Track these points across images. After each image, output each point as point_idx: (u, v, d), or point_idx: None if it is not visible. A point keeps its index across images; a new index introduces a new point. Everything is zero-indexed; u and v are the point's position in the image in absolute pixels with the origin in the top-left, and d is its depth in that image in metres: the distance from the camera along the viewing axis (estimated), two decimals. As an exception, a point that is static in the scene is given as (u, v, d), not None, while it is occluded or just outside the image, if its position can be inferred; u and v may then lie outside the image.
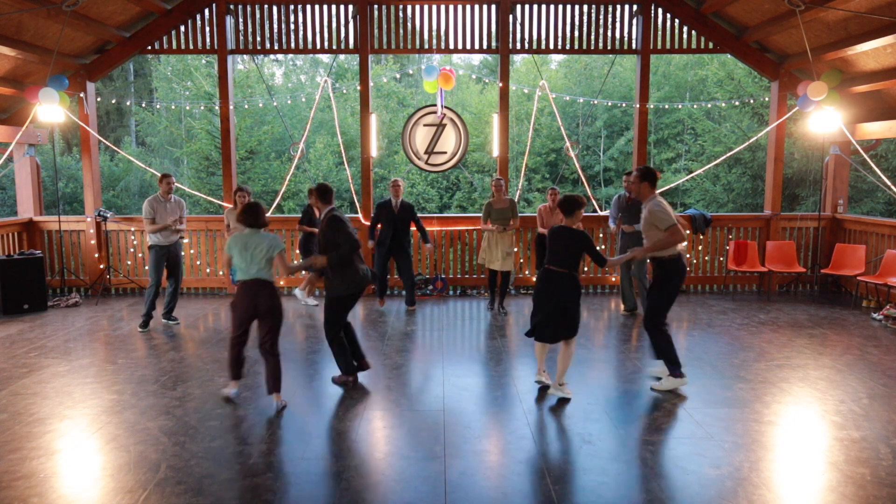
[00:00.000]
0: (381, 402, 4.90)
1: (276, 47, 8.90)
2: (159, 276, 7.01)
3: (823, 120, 7.96)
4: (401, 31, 8.79)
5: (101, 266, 8.86)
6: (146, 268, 9.02)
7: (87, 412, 4.64)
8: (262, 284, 4.67)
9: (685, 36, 8.86)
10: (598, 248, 5.52)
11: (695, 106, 15.07)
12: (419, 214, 8.17)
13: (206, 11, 8.68)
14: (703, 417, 4.55)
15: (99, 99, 9.21)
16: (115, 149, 11.46)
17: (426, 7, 8.71)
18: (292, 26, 8.81)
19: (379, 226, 7.85)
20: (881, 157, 16.40)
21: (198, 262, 9.06)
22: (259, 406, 4.77)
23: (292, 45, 8.87)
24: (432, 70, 8.18)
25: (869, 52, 7.44)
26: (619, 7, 8.78)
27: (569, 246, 4.85)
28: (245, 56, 14.76)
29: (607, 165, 21.26)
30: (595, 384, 5.28)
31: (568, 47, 8.95)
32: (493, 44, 8.86)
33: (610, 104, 20.26)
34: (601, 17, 8.80)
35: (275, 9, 8.71)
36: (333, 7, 8.73)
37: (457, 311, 8.10)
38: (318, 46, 8.88)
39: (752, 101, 17.65)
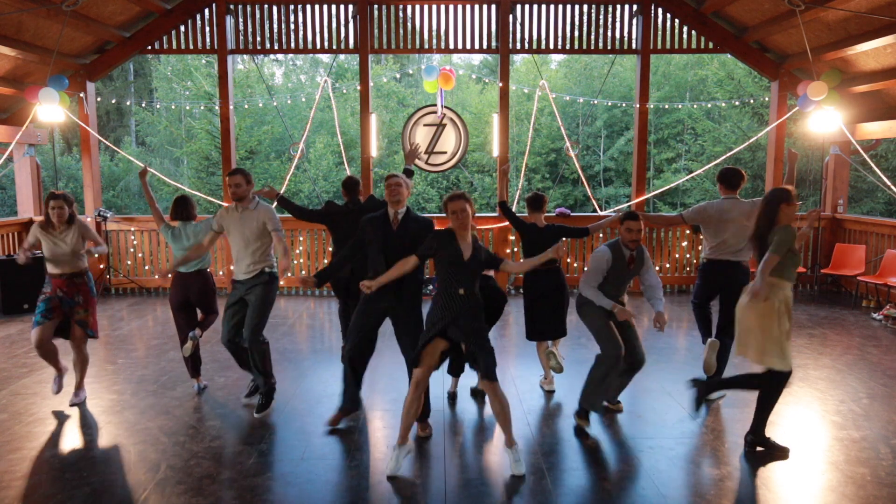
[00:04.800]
0: (381, 402, 4.90)
1: (276, 47, 8.90)
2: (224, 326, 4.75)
3: (823, 120, 7.96)
4: (401, 31, 8.79)
5: (101, 266, 8.86)
6: (146, 267, 9.05)
7: (87, 412, 4.64)
8: (195, 275, 4.95)
9: (685, 36, 8.86)
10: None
11: (695, 106, 15.08)
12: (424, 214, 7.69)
13: (206, 11, 8.68)
14: (703, 417, 4.55)
15: (99, 99, 9.21)
16: (115, 149, 11.46)
17: (426, 7, 8.71)
18: (292, 26, 8.81)
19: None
20: (881, 157, 16.40)
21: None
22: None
23: (292, 45, 8.87)
24: (432, 70, 8.18)
25: (869, 52, 7.44)
26: (619, 7, 8.78)
27: (549, 242, 4.95)
28: (245, 56, 14.76)
29: (607, 165, 21.25)
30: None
31: (568, 47, 8.95)
32: (493, 44, 8.86)
33: (610, 104, 20.25)
34: (601, 17, 8.80)
35: (275, 9, 8.71)
36: (333, 7, 8.73)
37: (457, 311, 8.09)
38: (318, 46, 8.88)
39: (752, 101, 17.65)
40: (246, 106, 18.05)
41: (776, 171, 9.05)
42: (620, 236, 4.28)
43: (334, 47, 8.86)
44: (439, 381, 5.35)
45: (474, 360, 3.75)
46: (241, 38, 8.82)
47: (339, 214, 5.26)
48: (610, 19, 8.83)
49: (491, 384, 3.70)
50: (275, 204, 5.21)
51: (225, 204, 8.90)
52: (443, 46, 8.84)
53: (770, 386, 3.93)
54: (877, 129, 8.30)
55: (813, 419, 4.52)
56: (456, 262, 3.77)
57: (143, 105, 22.23)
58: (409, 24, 8.80)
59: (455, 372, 4.91)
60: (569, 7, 8.78)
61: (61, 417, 4.56)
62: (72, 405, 4.71)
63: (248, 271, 4.52)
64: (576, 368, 5.56)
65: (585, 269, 4.37)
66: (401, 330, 4.26)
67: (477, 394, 4.98)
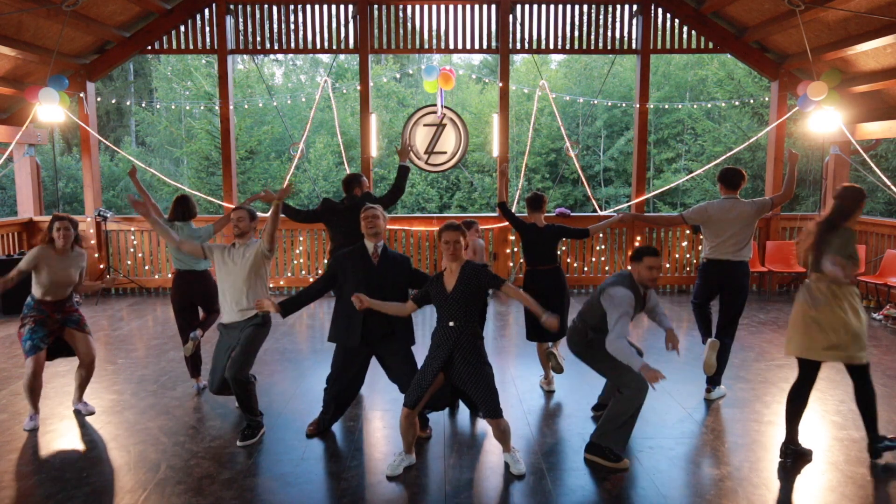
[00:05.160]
0: (381, 402, 4.90)
1: (276, 47, 8.90)
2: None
3: (823, 120, 7.96)
4: (401, 31, 8.79)
5: (101, 266, 8.85)
6: (146, 267, 9.05)
7: (87, 412, 4.64)
8: (197, 275, 5.03)
9: (685, 36, 8.86)
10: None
11: (695, 106, 15.09)
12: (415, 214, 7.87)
13: (206, 11, 8.68)
14: (702, 417, 4.55)
15: (99, 99, 9.21)
16: (115, 149, 11.47)
17: (426, 7, 8.71)
18: (292, 26, 8.81)
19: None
20: (881, 157, 16.40)
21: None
22: (259, 406, 4.76)
23: (292, 45, 8.87)
24: (432, 70, 8.18)
25: (869, 52, 7.44)
26: (619, 7, 8.78)
27: (549, 242, 4.98)
28: (245, 56, 14.76)
29: (607, 165, 21.25)
30: (595, 384, 5.27)
31: (568, 47, 8.95)
32: (493, 44, 8.86)
33: (610, 104, 20.25)
34: (601, 17, 8.80)
35: (275, 9, 8.72)
36: (333, 7, 8.73)
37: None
38: (318, 46, 8.88)
39: (752, 101, 17.65)
40: (246, 106, 18.05)
41: (776, 171, 9.05)
42: (637, 274, 3.83)
43: (334, 47, 8.86)
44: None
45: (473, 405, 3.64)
46: (241, 38, 8.82)
47: (336, 211, 5.25)
48: (610, 19, 8.83)
49: (494, 421, 3.60)
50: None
51: (225, 205, 8.92)
52: (443, 46, 8.84)
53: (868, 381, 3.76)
54: (877, 129, 8.29)
55: (813, 419, 4.51)
56: (440, 297, 3.67)
57: (143, 105, 22.23)
58: (409, 24, 8.80)
59: None
60: (569, 7, 8.78)
61: (61, 417, 4.56)
62: (89, 414, 4.57)
63: (242, 313, 4.23)
64: (576, 368, 5.56)
65: (611, 312, 3.69)
66: (388, 363, 4.16)
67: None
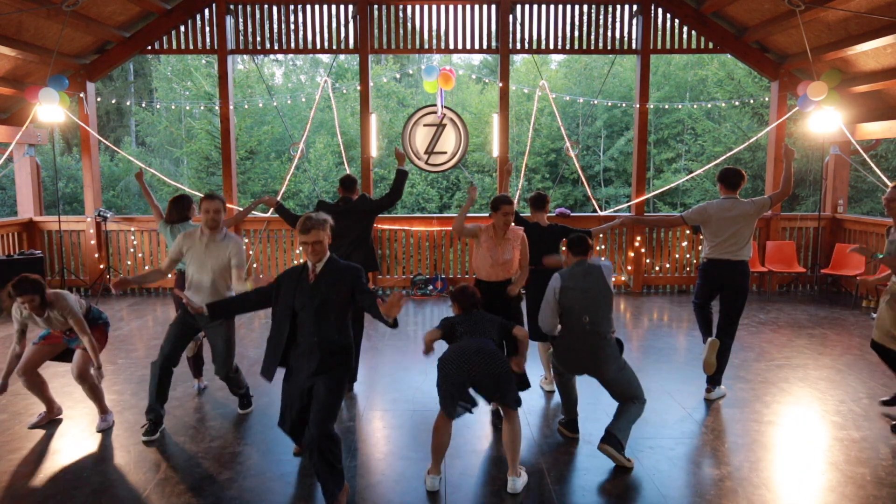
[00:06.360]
0: (381, 402, 4.90)
1: (276, 47, 8.90)
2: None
3: (823, 120, 7.96)
4: (401, 31, 8.79)
5: (101, 266, 8.86)
6: (146, 268, 9.04)
7: (87, 412, 4.63)
8: None
9: (685, 36, 8.86)
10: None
11: (695, 106, 15.08)
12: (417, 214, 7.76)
13: (206, 11, 8.68)
14: (702, 417, 4.56)
15: (99, 99, 9.21)
16: (115, 149, 11.47)
17: (426, 7, 8.71)
18: (292, 26, 8.81)
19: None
20: (881, 157, 16.41)
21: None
22: (259, 407, 4.77)
23: (292, 45, 8.87)
24: (432, 70, 8.18)
25: (869, 52, 7.44)
26: (619, 7, 8.78)
27: (552, 241, 4.99)
28: (245, 56, 14.76)
29: (607, 165, 21.26)
30: (595, 384, 5.27)
31: (568, 47, 8.95)
32: (493, 44, 8.86)
33: (610, 104, 20.25)
34: (601, 17, 8.80)
35: (275, 9, 8.72)
36: (333, 7, 8.73)
37: (457, 311, 8.08)
38: (318, 46, 8.88)
39: (752, 101, 17.65)
40: (246, 106, 18.05)
41: (776, 171, 9.04)
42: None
43: (334, 47, 8.86)
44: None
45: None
46: (241, 38, 8.82)
47: (330, 214, 5.13)
48: (610, 19, 8.83)
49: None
50: (270, 211, 5.17)
51: (237, 207, 8.92)
52: (443, 46, 8.84)
53: None
54: (877, 129, 8.30)
55: (813, 419, 4.52)
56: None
57: (143, 105, 22.24)
58: (409, 24, 8.80)
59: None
60: (569, 7, 8.78)
61: (61, 418, 4.56)
62: (99, 430, 4.32)
63: (208, 301, 3.95)
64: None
65: (610, 274, 4.06)
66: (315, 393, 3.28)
67: None
